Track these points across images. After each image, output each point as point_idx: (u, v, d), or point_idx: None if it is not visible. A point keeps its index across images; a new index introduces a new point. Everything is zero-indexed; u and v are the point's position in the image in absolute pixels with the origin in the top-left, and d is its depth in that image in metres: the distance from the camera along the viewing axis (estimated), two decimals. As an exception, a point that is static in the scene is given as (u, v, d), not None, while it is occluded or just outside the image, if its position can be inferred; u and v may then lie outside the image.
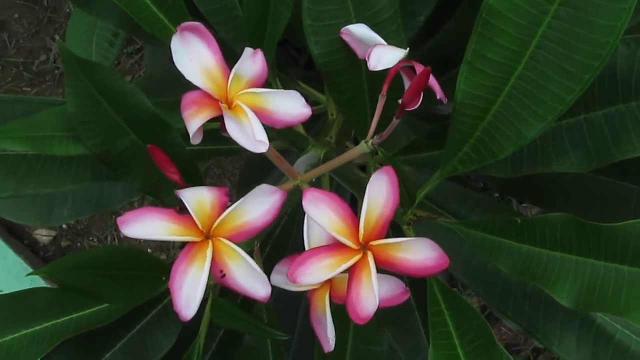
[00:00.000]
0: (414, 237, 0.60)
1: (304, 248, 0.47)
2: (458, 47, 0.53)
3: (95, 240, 1.36)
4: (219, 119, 0.47)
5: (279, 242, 0.77)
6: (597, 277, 0.51)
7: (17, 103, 0.66)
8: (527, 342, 1.26)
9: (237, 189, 1.08)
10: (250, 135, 0.44)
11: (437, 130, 0.64)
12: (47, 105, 0.64)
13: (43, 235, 1.37)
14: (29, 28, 1.44)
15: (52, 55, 1.42)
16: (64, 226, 1.37)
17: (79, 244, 1.36)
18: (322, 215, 0.44)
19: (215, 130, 0.69)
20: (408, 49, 0.50)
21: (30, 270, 1.30)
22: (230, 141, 0.73)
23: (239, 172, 1.26)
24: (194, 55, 0.45)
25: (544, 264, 0.52)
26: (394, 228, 0.63)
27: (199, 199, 0.45)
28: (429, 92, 0.53)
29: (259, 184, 0.87)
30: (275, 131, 0.66)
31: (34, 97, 0.66)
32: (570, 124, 0.58)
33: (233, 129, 0.44)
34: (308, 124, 0.79)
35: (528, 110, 0.51)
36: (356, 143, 0.58)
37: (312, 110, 0.85)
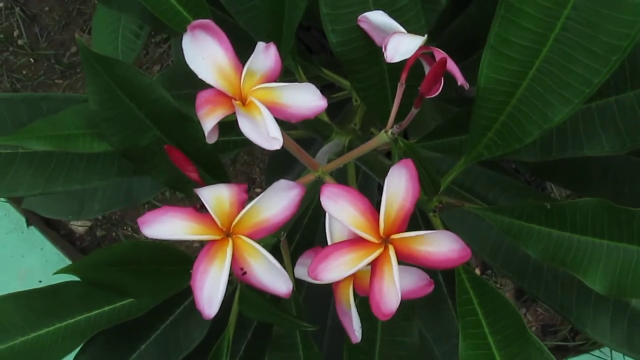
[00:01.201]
0: (441, 224, 0.59)
1: (327, 241, 0.46)
2: (480, 31, 0.52)
3: (130, 229, 1.38)
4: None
5: (307, 231, 0.77)
6: (630, 262, 0.50)
7: (43, 101, 0.66)
8: (564, 322, 1.24)
9: (266, 177, 1.08)
10: (264, 133, 0.43)
11: (463, 114, 0.63)
12: (71, 102, 0.65)
13: (79, 225, 1.39)
14: (59, 20, 1.45)
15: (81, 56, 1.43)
16: (99, 216, 1.39)
17: (113, 233, 1.38)
18: (341, 211, 0.43)
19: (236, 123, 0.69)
20: (426, 36, 0.49)
21: (67, 260, 1.32)
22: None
23: (267, 159, 1.26)
24: (205, 53, 0.45)
25: (575, 249, 0.51)
26: (421, 216, 0.62)
27: (217, 196, 0.45)
28: (452, 76, 0.51)
29: (286, 170, 0.87)
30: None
31: (60, 95, 0.66)
32: (600, 106, 0.56)
33: (246, 127, 0.43)
34: (333, 111, 0.79)
35: (554, 93, 0.49)
36: (382, 129, 0.56)
37: (336, 97, 0.84)
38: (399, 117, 0.51)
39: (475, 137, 0.53)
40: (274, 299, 0.61)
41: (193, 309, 0.71)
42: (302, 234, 0.77)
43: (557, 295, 0.63)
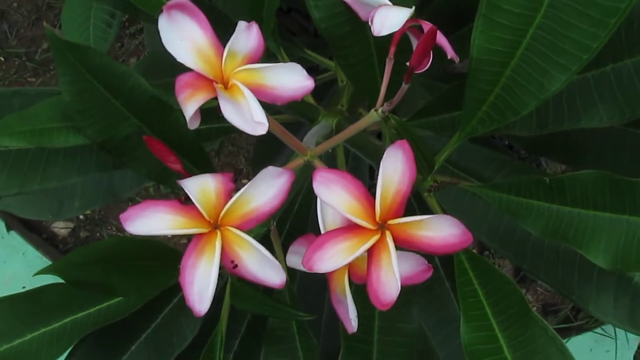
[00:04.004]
0: (436, 204, 0.58)
1: (320, 229, 0.45)
2: (469, 1, 0.50)
3: (114, 228, 1.36)
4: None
5: (298, 219, 0.75)
6: (634, 234, 0.49)
7: (14, 96, 0.65)
8: (565, 301, 1.24)
9: (252, 167, 1.06)
10: (248, 117, 0.41)
11: (454, 89, 0.61)
12: (44, 96, 0.63)
13: (61, 227, 1.37)
14: (28, 16, 1.42)
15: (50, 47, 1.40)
16: (81, 217, 1.37)
17: (97, 233, 1.36)
18: (334, 197, 0.42)
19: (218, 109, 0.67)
20: (414, 7, 0.47)
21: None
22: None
23: (253, 149, 1.24)
24: (183, 34, 0.43)
25: (576, 224, 0.50)
26: (415, 196, 0.61)
27: (202, 187, 0.43)
28: (442, 51, 0.50)
29: (272, 159, 0.85)
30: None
31: (32, 89, 0.64)
32: (597, 76, 0.55)
33: (229, 111, 0.42)
34: (319, 93, 0.77)
35: (550, 61, 0.48)
36: (370, 109, 0.55)
37: (321, 78, 0.83)
38: (389, 95, 0.49)
39: (469, 112, 0.52)
40: (267, 290, 0.60)
41: (183, 306, 0.70)
42: (292, 223, 0.75)
43: (558, 274, 0.62)
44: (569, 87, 0.55)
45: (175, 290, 0.69)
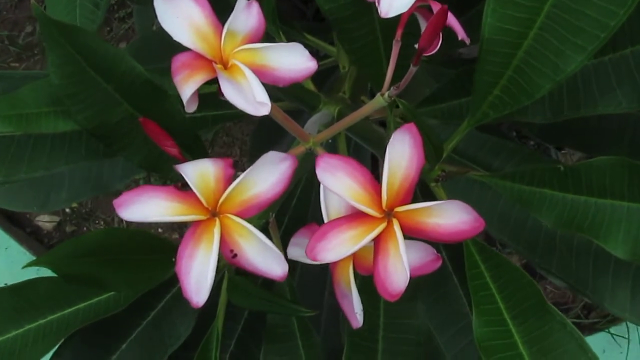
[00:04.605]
0: (444, 195, 0.58)
1: (323, 218, 0.45)
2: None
3: (102, 223, 1.35)
4: (217, 81, 0.45)
5: (297, 211, 0.75)
6: (655, 224, 0.49)
7: (-2, 80, 0.64)
8: (576, 299, 1.24)
9: (249, 158, 1.05)
10: (250, 97, 0.41)
11: (463, 75, 0.62)
12: (31, 79, 0.62)
13: (46, 221, 1.37)
14: (10, -2, 1.42)
15: (39, 26, 1.40)
16: (67, 210, 1.36)
17: (85, 228, 1.36)
18: (339, 184, 0.41)
19: (217, 93, 0.67)
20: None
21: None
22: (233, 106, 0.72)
23: (249, 139, 1.24)
24: (180, 11, 0.43)
25: (592, 214, 0.50)
26: (421, 186, 0.61)
27: (201, 173, 0.43)
28: (449, 35, 0.50)
29: (270, 150, 0.85)
30: (281, 90, 0.64)
31: (16, 72, 0.64)
32: (614, 59, 0.55)
33: (230, 92, 0.42)
34: (319, 80, 0.77)
35: (565, 41, 0.48)
36: (373, 97, 0.55)
37: (321, 65, 0.83)
38: (395, 80, 0.49)
39: (480, 96, 0.52)
40: (266, 285, 0.60)
41: (177, 302, 0.70)
42: (291, 216, 0.75)
43: (572, 268, 0.62)
44: (585, 71, 0.55)
45: (168, 286, 0.69)
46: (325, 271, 0.73)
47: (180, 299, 0.71)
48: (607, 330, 1.22)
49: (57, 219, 1.36)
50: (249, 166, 0.43)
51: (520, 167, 0.65)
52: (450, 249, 0.70)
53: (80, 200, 0.87)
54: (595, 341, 1.21)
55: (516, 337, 0.50)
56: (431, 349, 0.60)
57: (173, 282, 0.69)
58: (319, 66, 0.81)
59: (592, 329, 1.23)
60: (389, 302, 0.57)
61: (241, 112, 0.70)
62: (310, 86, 0.68)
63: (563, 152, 1.23)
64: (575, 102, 0.56)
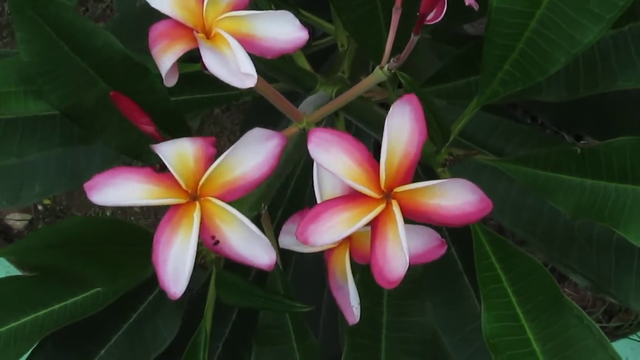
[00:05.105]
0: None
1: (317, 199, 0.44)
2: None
3: (78, 221, 1.35)
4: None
5: (291, 204, 0.75)
6: (682, 210, 0.48)
7: (-36, 60, 0.64)
8: (597, 303, 1.23)
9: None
10: (234, 69, 0.41)
11: (470, 51, 0.61)
12: (1, 57, 0.62)
13: (17, 219, 1.36)
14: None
15: (7, 7, 1.40)
16: (40, 207, 1.36)
17: (59, 226, 1.35)
18: (333, 161, 0.41)
19: (203, 75, 0.67)
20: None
21: (3, 262, 1.28)
22: (224, 87, 0.72)
23: (239, 129, 1.24)
24: (158, -26, 0.42)
25: (613, 200, 0.50)
26: (426, 172, 0.60)
27: (179, 152, 0.43)
28: (453, 8, 0.49)
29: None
30: (275, 70, 0.63)
31: (-14, 51, 0.64)
32: (635, 29, 0.55)
33: (212, 63, 0.41)
34: (316, 60, 0.77)
35: (581, 9, 0.47)
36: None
37: (318, 44, 0.82)
38: (395, 52, 0.49)
39: (489, 71, 0.52)
40: (258, 283, 0.60)
41: (161, 303, 0.70)
42: (285, 209, 0.75)
43: (592, 261, 0.62)
44: (602, 43, 0.54)
45: (151, 285, 0.69)
46: (323, 267, 0.72)
47: (165, 299, 0.71)
48: (630, 337, 1.21)
49: (28, 217, 1.36)
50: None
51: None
52: (461, 244, 0.70)
53: (55, 193, 0.86)
54: (618, 348, 1.20)
55: (529, 334, 0.50)
56: (435, 349, 0.60)
57: (156, 280, 0.69)
58: (315, 46, 0.81)
59: (614, 335, 1.22)
60: (392, 297, 0.57)
61: (231, 94, 0.71)
62: (306, 65, 0.68)
63: (582, 142, 1.23)
64: (593, 78, 0.56)
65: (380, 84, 0.57)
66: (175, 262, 0.41)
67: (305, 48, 0.72)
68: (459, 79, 0.61)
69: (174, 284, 0.41)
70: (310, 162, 0.75)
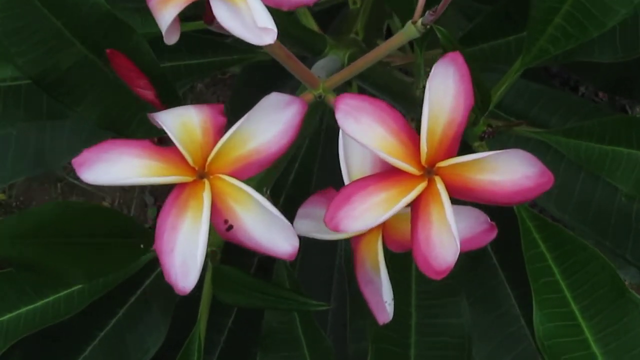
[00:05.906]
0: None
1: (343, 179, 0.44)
2: None
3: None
4: (201, 12, 0.44)
5: (296, 188, 0.75)
6: None
7: None
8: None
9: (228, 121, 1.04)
10: (250, 22, 0.41)
11: (508, 5, 0.61)
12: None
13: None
14: None
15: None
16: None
17: (15, 221, 1.36)
18: (366, 133, 0.41)
19: (191, 39, 0.67)
20: None
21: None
22: (213, 53, 0.71)
23: (226, 106, 1.24)
24: None
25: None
26: (461, 147, 0.61)
27: (183, 122, 0.43)
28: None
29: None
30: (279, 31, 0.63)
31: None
32: None
33: (224, 16, 0.41)
34: (322, 20, 0.77)
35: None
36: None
37: (324, 4, 0.82)
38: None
39: (537, 27, 0.52)
40: (260, 276, 0.60)
41: (144, 307, 0.70)
42: (288, 194, 0.75)
43: (651, 254, 0.62)
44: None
45: (134, 286, 0.69)
46: (333, 255, 0.72)
47: (148, 302, 0.71)
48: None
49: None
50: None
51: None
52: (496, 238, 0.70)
53: (13, 181, 0.85)
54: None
55: (587, 333, 0.50)
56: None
57: (140, 279, 0.69)
58: (321, 4, 0.81)
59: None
60: (423, 296, 0.57)
61: (223, 60, 0.70)
62: (314, 26, 0.68)
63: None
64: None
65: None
66: (184, 251, 0.40)
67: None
68: (497, 39, 0.62)
69: (182, 277, 0.40)
70: (316, 139, 0.76)
